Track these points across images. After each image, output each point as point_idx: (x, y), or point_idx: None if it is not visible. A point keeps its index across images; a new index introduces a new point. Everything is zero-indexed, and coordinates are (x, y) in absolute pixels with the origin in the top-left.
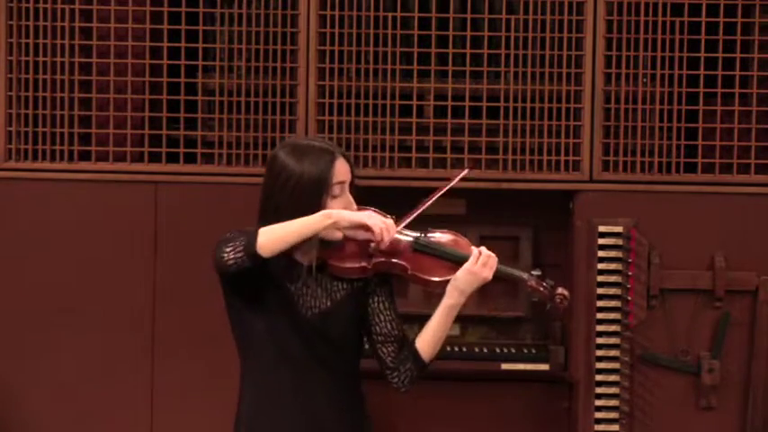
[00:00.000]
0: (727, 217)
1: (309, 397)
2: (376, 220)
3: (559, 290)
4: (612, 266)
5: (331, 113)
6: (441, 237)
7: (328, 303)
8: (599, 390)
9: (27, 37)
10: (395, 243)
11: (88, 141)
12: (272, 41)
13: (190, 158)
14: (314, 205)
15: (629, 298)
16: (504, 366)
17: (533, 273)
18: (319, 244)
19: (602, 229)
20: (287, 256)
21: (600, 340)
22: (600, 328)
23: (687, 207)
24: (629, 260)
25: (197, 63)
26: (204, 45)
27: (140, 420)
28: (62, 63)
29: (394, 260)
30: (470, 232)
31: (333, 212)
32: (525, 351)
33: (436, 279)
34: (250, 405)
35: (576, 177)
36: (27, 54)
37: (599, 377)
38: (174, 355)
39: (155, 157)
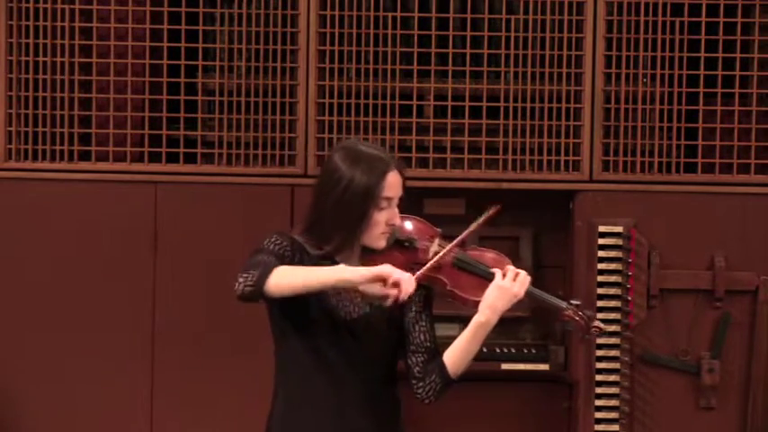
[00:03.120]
0: (727, 217)
1: (345, 404)
2: (393, 276)
3: (596, 322)
4: (612, 266)
5: (331, 113)
6: (483, 255)
7: (367, 309)
8: (599, 390)
9: (27, 37)
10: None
11: (88, 141)
12: (272, 41)
13: (190, 158)
14: (359, 213)
15: (629, 298)
16: (504, 366)
17: (572, 302)
18: (362, 251)
19: (602, 229)
20: (330, 260)
21: (600, 340)
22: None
23: (687, 207)
24: (629, 260)
25: (197, 63)
26: (204, 45)
27: (140, 420)
28: (62, 63)
29: (434, 274)
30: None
31: (345, 272)
32: (525, 351)
33: (474, 299)
34: (284, 411)
35: (576, 177)
36: (27, 54)
37: (599, 377)
38: (174, 354)
39: (155, 157)
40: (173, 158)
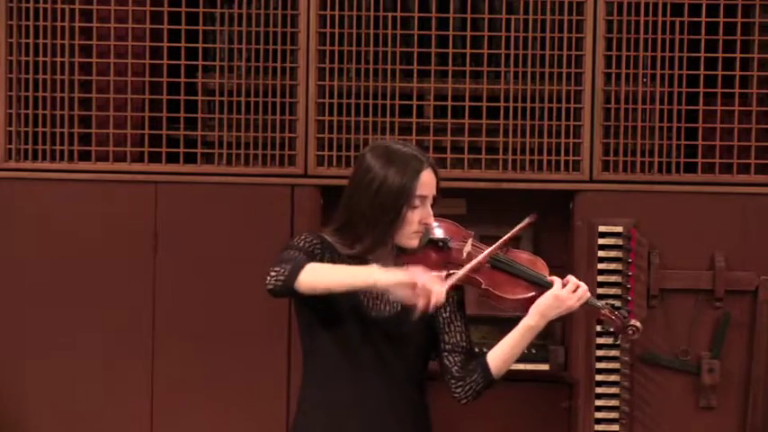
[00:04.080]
0: (727, 217)
1: (372, 403)
2: (423, 284)
3: (632, 321)
4: (612, 266)
5: (331, 113)
6: (519, 255)
7: (398, 307)
8: (599, 390)
9: (27, 37)
10: (472, 257)
11: (88, 141)
12: (272, 41)
13: (190, 158)
14: (393, 213)
15: (629, 298)
16: None
17: (608, 303)
18: (396, 250)
19: (602, 229)
20: (362, 260)
21: (600, 340)
22: (599, 328)
23: (687, 207)
24: (629, 260)
25: (197, 63)
26: (204, 45)
27: (140, 420)
28: (62, 63)
29: (470, 273)
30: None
31: (374, 275)
32: (525, 351)
33: (510, 297)
34: (311, 408)
35: (576, 177)
36: (27, 54)
37: (599, 377)
38: (174, 355)
39: (155, 157)
40: (173, 158)
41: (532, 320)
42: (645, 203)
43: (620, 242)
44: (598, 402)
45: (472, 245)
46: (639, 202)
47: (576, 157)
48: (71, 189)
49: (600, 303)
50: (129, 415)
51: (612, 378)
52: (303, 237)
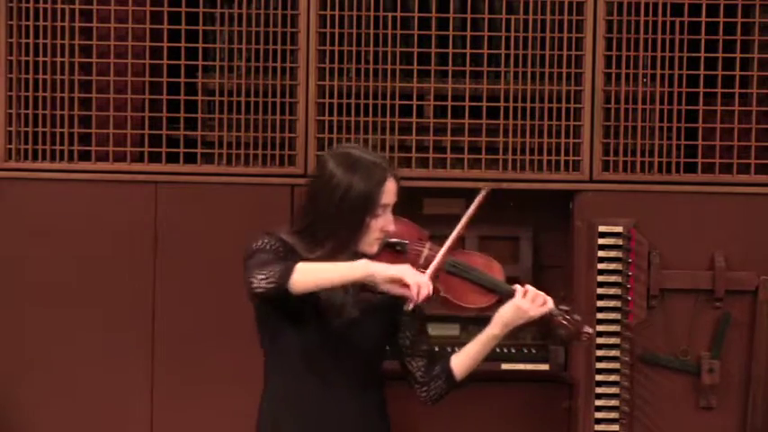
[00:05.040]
0: (727, 217)
1: (335, 405)
2: (414, 278)
3: (585, 328)
4: (612, 266)
5: (331, 113)
6: (474, 258)
7: (357, 314)
8: (599, 390)
9: (27, 37)
10: (429, 264)
11: (88, 141)
12: (272, 41)
13: (190, 158)
14: (356, 220)
15: (629, 298)
16: (504, 366)
17: (561, 308)
18: (353, 257)
19: (602, 229)
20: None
21: (600, 340)
22: (600, 328)
23: (687, 207)
24: (629, 260)
25: (197, 63)
26: (204, 45)
27: (140, 420)
28: (62, 63)
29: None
30: (470, 232)
31: (371, 267)
32: (525, 351)
33: (470, 306)
34: (275, 413)
35: (576, 177)
36: (27, 54)
37: (599, 377)
38: (174, 354)
39: (155, 157)
40: (173, 158)
41: (497, 330)
42: (645, 203)
43: (620, 242)
44: (598, 402)
45: (429, 248)
46: (639, 202)
47: (575, 157)
48: (71, 189)
49: (556, 311)
50: (129, 415)
51: (612, 378)
52: (266, 241)
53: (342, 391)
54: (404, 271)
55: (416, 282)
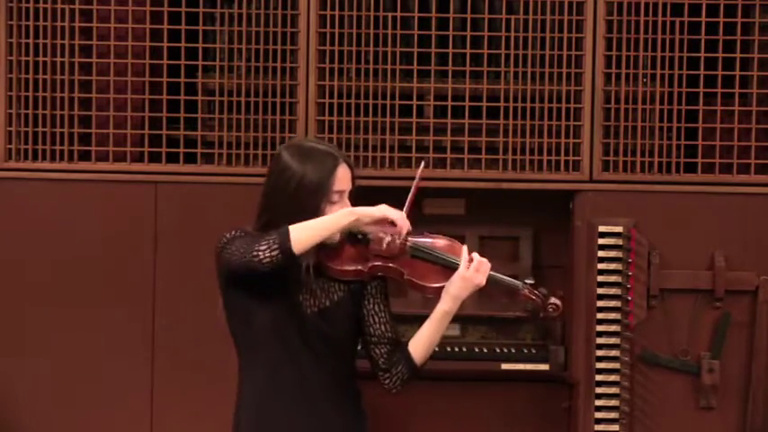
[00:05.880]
0: (727, 217)
1: (313, 396)
2: (396, 213)
3: (552, 299)
4: (612, 266)
5: (331, 113)
6: (436, 241)
7: (327, 303)
8: (599, 390)
9: (27, 37)
10: (392, 247)
11: (88, 141)
12: (272, 41)
13: (190, 158)
14: (311, 209)
15: (629, 298)
16: (504, 366)
17: (527, 281)
18: (314, 250)
19: (602, 229)
20: None
21: (600, 340)
22: (600, 328)
23: (687, 207)
24: (629, 260)
25: (197, 63)
26: (204, 45)
27: (140, 420)
28: (62, 63)
29: (390, 264)
30: (470, 232)
31: (355, 210)
32: (525, 351)
33: (431, 285)
34: (252, 401)
35: (576, 177)
36: (27, 54)
37: (599, 377)
38: (174, 354)
39: (155, 157)
40: (173, 158)
41: (446, 305)
42: (645, 203)
43: (620, 242)
44: (598, 402)
45: (391, 234)
46: (639, 202)
47: (575, 157)
48: (71, 189)
49: (516, 282)
50: (129, 415)
51: (612, 378)
52: (238, 229)
53: (316, 380)
54: (384, 210)
55: (401, 215)
